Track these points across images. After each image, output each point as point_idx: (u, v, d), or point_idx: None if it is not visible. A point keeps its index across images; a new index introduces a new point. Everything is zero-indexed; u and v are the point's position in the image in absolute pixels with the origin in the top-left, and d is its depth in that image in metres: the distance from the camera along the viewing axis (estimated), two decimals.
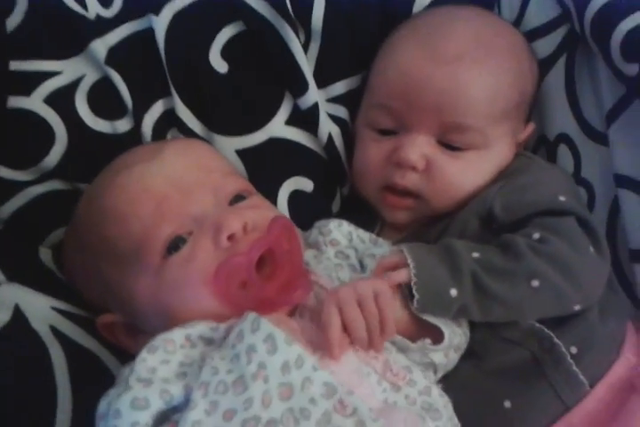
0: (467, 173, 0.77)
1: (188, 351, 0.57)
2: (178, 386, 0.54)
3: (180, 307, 0.61)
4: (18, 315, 0.67)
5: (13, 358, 0.64)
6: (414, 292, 0.64)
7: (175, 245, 0.62)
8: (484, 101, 0.76)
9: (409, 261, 0.65)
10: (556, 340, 0.68)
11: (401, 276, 0.65)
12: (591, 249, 0.68)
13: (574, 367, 0.68)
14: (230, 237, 0.61)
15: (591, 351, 0.69)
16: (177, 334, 0.58)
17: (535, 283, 0.65)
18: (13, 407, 0.62)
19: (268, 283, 0.61)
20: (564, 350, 0.68)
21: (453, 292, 0.64)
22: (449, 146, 0.77)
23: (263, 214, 0.64)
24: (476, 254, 0.67)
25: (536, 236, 0.67)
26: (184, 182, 0.65)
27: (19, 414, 0.62)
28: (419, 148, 0.76)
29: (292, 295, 0.61)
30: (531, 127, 0.85)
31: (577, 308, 0.68)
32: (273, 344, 0.53)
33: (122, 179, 0.66)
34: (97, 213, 0.66)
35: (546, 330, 0.69)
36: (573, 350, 0.68)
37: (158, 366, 0.55)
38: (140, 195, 0.64)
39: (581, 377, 0.67)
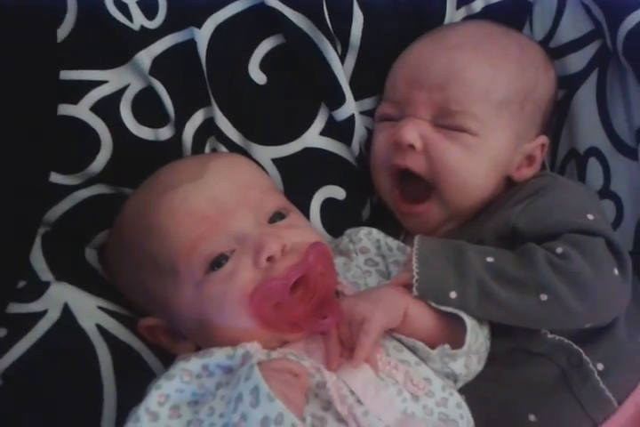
0: (463, 156, 0.76)
1: (205, 381, 0.59)
2: (182, 422, 0.57)
3: (218, 321, 0.63)
4: (67, 313, 0.70)
5: (63, 355, 0.68)
6: (414, 289, 0.65)
7: (218, 262, 0.64)
8: (479, 86, 0.76)
9: (414, 261, 0.66)
10: (584, 356, 0.68)
11: (405, 277, 0.67)
12: (616, 271, 0.66)
13: (601, 384, 0.67)
14: (269, 258, 0.63)
15: (618, 368, 0.69)
16: (194, 365, 0.60)
17: (544, 297, 0.64)
18: (62, 402, 0.66)
19: (299, 306, 0.63)
20: (591, 366, 0.68)
21: (453, 294, 0.64)
22: (445, 128, 0.76)
23: (301, 236, 0.66)
24: (490, 259, 0.66)
25: (559, 250, 0.66)
26: (226, 203, 0.66)
27: (67, 408, 0.66)
28: (415, 127, 0.76)
29: (320, 322, 0.63)
30: (542, 139, 0.82)
31: (587, 326, 0.67)
32: (256, 397, 0.52)
33: (167, 200, 0.67)
34: (142, 230, 0.68)
35: (575, 346, 0.68)
36: (600, 366, 0.68)
37: (172, 393, 0.58)
38: (185, 216, 0.65)
39: (608, 393, 0.67)
